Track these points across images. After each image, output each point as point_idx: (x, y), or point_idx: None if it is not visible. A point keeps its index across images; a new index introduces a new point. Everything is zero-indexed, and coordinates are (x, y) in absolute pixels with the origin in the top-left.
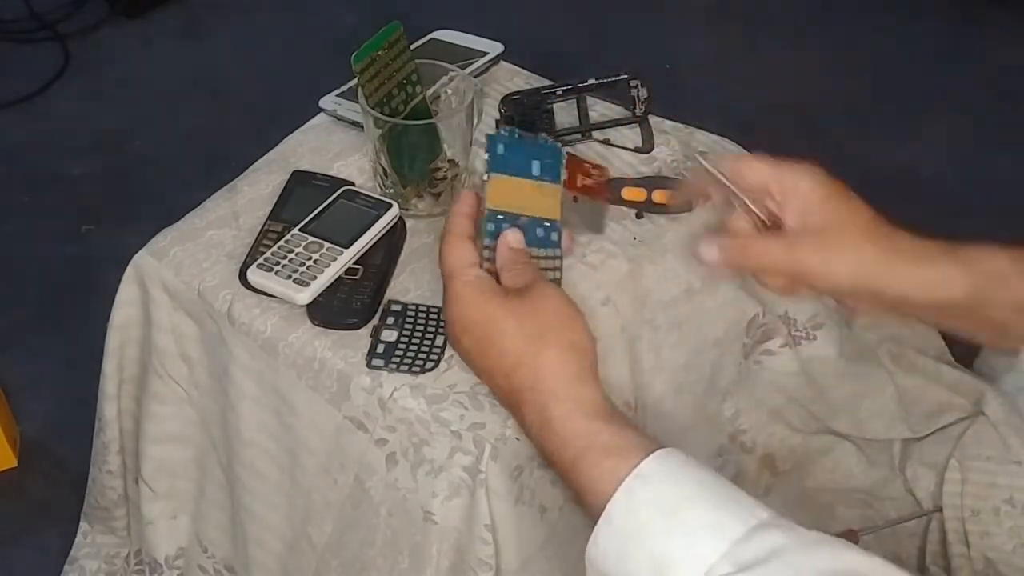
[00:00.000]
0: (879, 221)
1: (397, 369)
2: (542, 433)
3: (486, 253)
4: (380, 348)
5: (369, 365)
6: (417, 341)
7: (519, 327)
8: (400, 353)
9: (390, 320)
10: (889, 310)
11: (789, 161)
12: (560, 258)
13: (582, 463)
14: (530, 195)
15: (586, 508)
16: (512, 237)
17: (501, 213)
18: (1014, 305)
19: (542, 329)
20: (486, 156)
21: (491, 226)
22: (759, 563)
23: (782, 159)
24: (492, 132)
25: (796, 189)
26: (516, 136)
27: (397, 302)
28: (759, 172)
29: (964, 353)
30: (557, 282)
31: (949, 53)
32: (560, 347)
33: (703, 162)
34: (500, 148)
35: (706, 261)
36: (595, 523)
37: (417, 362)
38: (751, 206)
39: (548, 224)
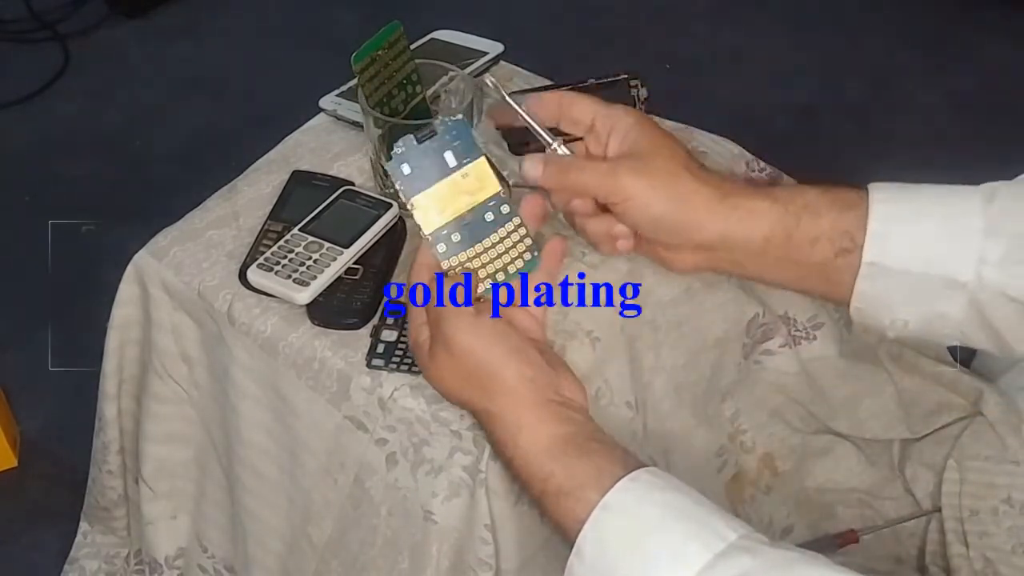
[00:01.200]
0: (694, 160)
1: (397, 369)
2: (509, 472)
3: (452, 273)
4: (380, 348)
5: (369, 365)
6: None
7: (451, 388)
8: (400, 353)
9: (390, 320)
10: (707, 259)
11: (610, 103)
12: (522, 224)
13: (543, 505)
14: (461, 188)
15: (561, 538)
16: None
17: (444, 228)
18: (829, 238)
19: (472, 388)
20: (397, 185)
21: (442, 246)
22: None
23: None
24: (388, 159)
25: (620, 123)
26: (415, 142)
27: (397, 302)
28: (585, 109)
29: (963, 353)
30: (533, 249)
31: (948, 52)
32: (493, 400)
33: (504, 96)
34: (406, 168)
35: (528, 177)
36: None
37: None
38: (546, 137)
39: (492, 201)
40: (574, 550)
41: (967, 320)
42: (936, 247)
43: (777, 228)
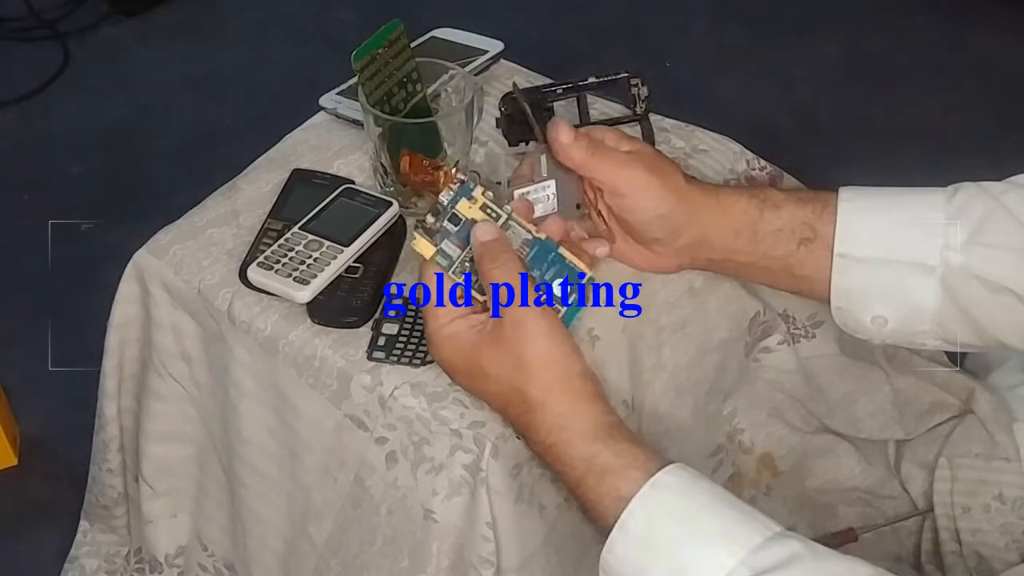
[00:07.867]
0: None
1: (398, 361)
2: (545, 458)
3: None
4: (381, 341)
5: (370, 357)
6: (418, 334)
7: (499, 371)
8: (401, 346)
9: (391, 313)
10: (688, 260)
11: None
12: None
13: (583, 486)
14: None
15: (592, 522)
16: (482, 231)
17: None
18: (790, 229)
19: (519, 368)
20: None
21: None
22: (777, 568)
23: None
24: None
25: (626, 138)
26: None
27: (397, 301)
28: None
29: (955, 354)
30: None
31: (948, 51)
32: (540, 381)
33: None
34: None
35: (559, 140)
36: (602, 533)
37: (418, 355)
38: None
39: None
40: (617, 526)
41: (942, 310)
42: (901, 234)
43: (744, 221)
